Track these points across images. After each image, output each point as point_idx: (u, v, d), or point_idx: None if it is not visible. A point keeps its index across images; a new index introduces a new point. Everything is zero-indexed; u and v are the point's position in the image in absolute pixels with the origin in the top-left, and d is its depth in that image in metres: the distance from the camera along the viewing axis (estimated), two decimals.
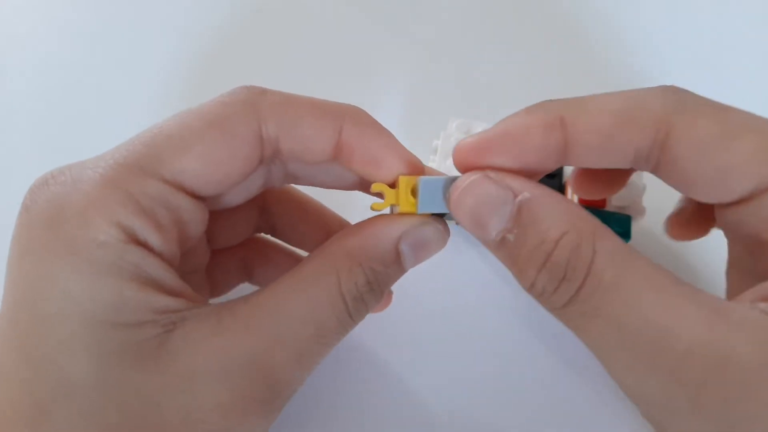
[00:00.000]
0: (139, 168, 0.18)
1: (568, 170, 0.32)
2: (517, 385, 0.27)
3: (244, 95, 0.19)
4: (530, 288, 0.18)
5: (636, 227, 0.29)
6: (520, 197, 0.17)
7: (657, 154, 0.18)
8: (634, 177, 0.29)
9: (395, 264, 0.20)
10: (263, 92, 0.19)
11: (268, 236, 0.27)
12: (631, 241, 0.28)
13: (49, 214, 0.17)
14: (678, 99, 0.18)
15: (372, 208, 0.20)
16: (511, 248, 0.18)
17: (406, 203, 0.20)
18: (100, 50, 0.38)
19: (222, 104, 0.19)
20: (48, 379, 0.16)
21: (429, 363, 0.28)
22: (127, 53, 0.38)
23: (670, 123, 0.18)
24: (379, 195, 0.20)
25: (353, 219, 0.24)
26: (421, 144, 0.33)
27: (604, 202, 0.28)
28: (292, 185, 0.25)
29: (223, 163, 0.19)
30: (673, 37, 0.39)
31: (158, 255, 0.18)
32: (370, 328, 0.26)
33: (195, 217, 0.19)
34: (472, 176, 0.19)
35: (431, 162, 0.31)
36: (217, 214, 0.23)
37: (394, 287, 0.23)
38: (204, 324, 0.18)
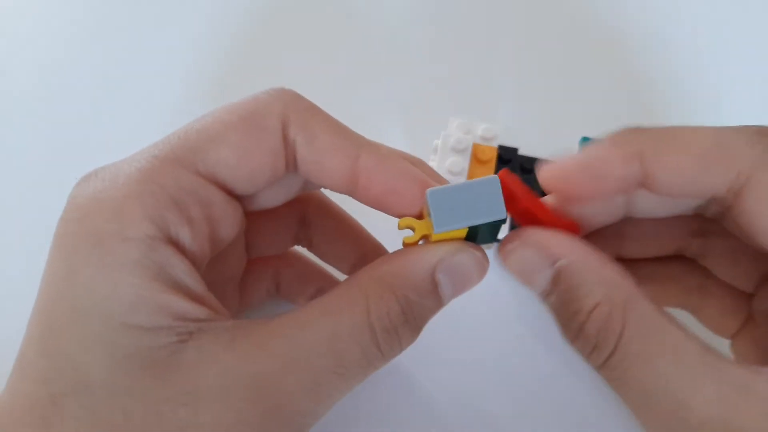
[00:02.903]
0: (172, 161, 0.18)
1: None
2: (518, 385, 0.28)
3: (276, 94, 0.20)
4: (571, 345, 0.19)
5: None
6: (558, 264, 0.18)
7: (730, 201, 0.18)
8: None
9: (432, 295, 0.19)
10: (295, 96, 0.20)
11: (302, 250, 0.27)
12: None
13: (86, 208, 0.17)
14: (765, 146, 0.18)
15: (404, 243, 0.19)
16: (553, 307, 0.19)
17: (423, 225, 0.19)
18: (116, 50, 0.38)
19: (254, 100, 0.19)
20: (63, 375, 0.16)
21: (430, 364, 0.28)
22: (148, 54, 0.38)
23: (752, 173, 0.18)
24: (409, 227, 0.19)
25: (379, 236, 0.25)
26: (421, 144, 0.33)
27: None
28: (333, 202, 0.25)
29: (251, 153, 0.19)
30: (676, 36, 0.39)
31: (186, 254, 0.18)
32: None
33: (227, 216, 0.19)
34: (514, 242, 0.19)
35: (431, 162, 0.31)
36: (260, 220, 0.23)
37: None
38: (218, 340, 0.17)
